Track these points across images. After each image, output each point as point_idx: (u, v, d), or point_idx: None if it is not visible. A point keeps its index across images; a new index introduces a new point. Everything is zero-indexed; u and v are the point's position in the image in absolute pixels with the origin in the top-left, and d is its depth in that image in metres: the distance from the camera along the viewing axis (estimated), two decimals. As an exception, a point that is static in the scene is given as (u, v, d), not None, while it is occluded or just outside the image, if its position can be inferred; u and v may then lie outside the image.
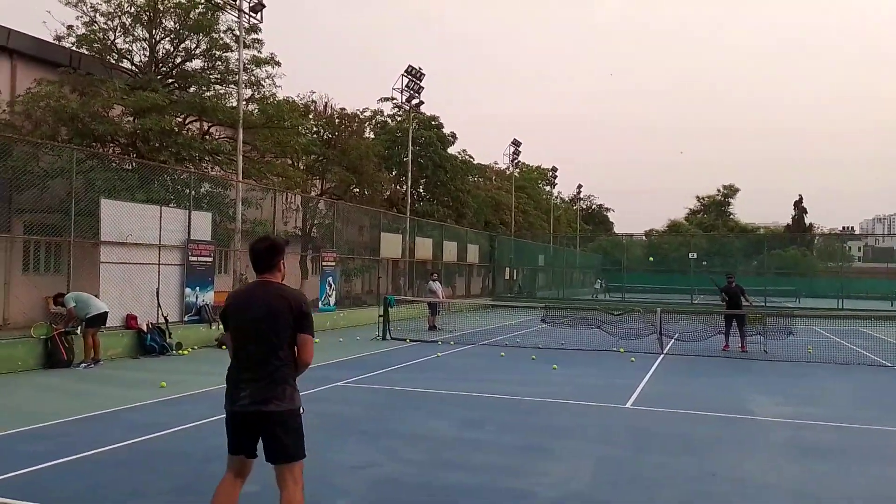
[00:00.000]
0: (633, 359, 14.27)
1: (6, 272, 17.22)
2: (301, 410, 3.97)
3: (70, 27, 18.88)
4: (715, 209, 74.79)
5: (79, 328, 12.16)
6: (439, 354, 14.54)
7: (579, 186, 69.17)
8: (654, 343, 15.85)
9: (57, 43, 18.91)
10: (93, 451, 6.35)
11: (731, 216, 74.98)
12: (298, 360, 3.96)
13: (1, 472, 5.62)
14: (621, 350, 15.58)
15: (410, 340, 16.96)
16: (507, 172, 47.70)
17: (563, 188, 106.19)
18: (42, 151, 15.97)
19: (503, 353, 14.98)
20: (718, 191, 75.95)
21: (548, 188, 58.92)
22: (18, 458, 6.08)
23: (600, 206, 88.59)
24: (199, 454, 6.31)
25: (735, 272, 21.84)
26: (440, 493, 5.53)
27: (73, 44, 18.96)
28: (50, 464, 5.93)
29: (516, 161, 45.97)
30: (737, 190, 75.28)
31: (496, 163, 49.92)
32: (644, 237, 67.87)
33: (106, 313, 12.23)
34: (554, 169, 55.55)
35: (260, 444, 3.93)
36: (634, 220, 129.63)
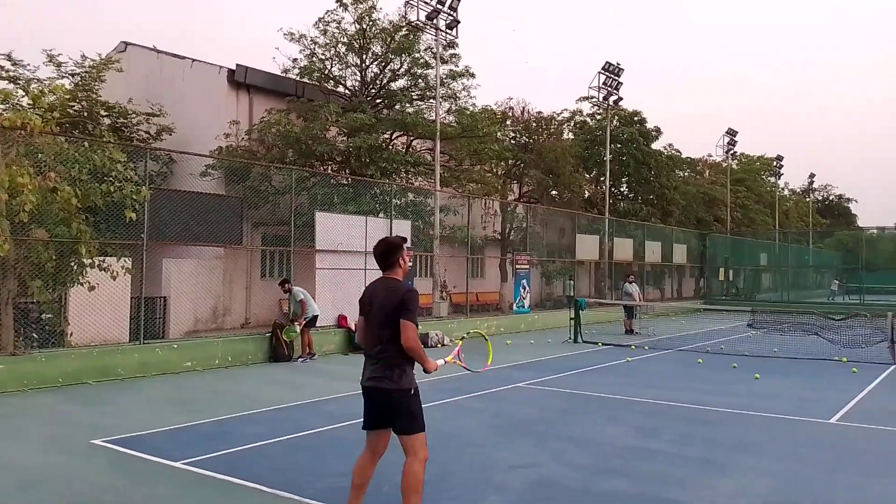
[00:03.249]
0: (854, 369, 12.73)
1: (248, 278, 19.96)
2: (411, 391, 4.42)
3: (294, 60, 21.43)
4: None
5: (298, 326, 13.78)
6: (629, 359, 14.17)
7: (812, 176, 62.00)
8: (885, 352, 13.95)
9: (284, 75, 21.52)
10: (292, 436, 7.28)
11: None
12: (402, 343, 4.36)
13: (217, 450, 6.69)
14: (843, 360, 13.94)
15: (603, 344, 16.70)
16: (724, 165, 44.52)
17: (793, 179, 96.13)
18: (273, 172, 18.32)
19: (700, 360, 14.16)
20: None
21: (772, 179, 53.86)
22: (234, 438, 7.17)
23: (840, 196, 79.03)
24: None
25: None
26: (596, 498, 5.53)
27: (297, 75, 21.44)
28: (257, 444, 6.93)
29: (732, 151, 42.71)
30: None
31: (710, 155, 46.85)
32: (895, 230, 59.38)
33: (317, 316, 13.76)
34: (779, 158, 50.57)
35: None
36: (884, 211, 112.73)
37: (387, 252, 4.58)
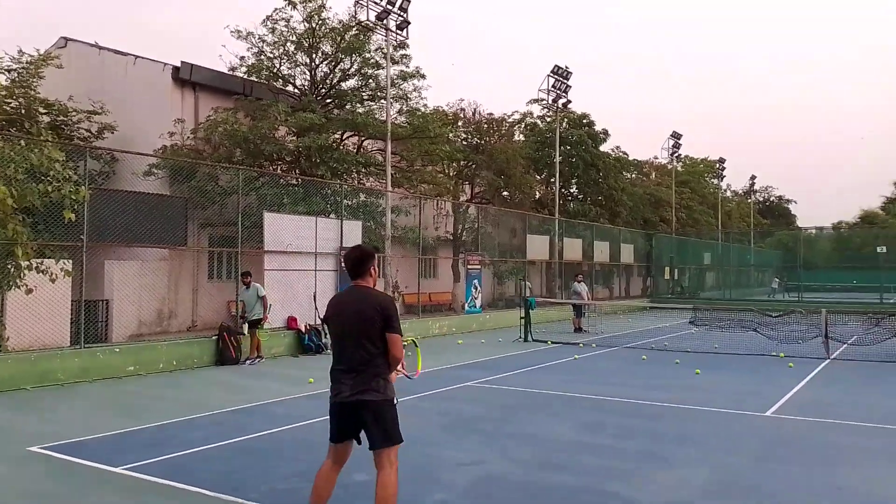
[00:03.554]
0: (791, 364, 13.25)
1: (194, 280, 19.57)
2: (395, 402, 4.38)
3: (242, 58, 21.09)
4: (917, 196, 66.28)
5: (246, 328, 13.61)
6: (577, 357, 14.44)
7: (753, 178, 64.13)
8: (820, 347, 14.55)
9: (231, 73, 21.18)
10: (236, 440, 7.19)
11: (938, 203, 66.06)
12: (390, 356, 4.37)
13: (159, 455, 6.56)
14: (780, 355, 14.48)
15: (552, 342, 16.95)
16: (669, 167, 45.69)
17: (735, 181, 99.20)
18: (219, 172, 18.01)
19: (645, 357, 14.53)
20: (921, 175, 67.12)
21: (715, 181, 55.52)
22: (176, 443, 7.05)
23: (780, 197, 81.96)
24: (325, 443, 6.89)
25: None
26: (539, 493, 5.63)
27: (244, 73, 21.12)
28: (199, 448, 6.83)
29: (677, 154, 43.86)
30: (945, 173, 66.03)
31: (656, 157, 48.00)
32: (832, 230, 61.89)
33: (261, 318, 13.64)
34: (721, 161, 52.17)
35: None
36: (822, 212, 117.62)
37: (362, 259, 4.50)
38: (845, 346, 15.25)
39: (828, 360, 13.79)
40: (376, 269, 4.61)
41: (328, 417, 4.49)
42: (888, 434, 7.73)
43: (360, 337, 4.30)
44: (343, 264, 4.57)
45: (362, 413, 4.29)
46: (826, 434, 7.74)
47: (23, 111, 17.09)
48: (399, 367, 4.67)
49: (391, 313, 4.35)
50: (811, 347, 14.78)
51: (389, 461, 4.30)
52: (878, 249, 35.21)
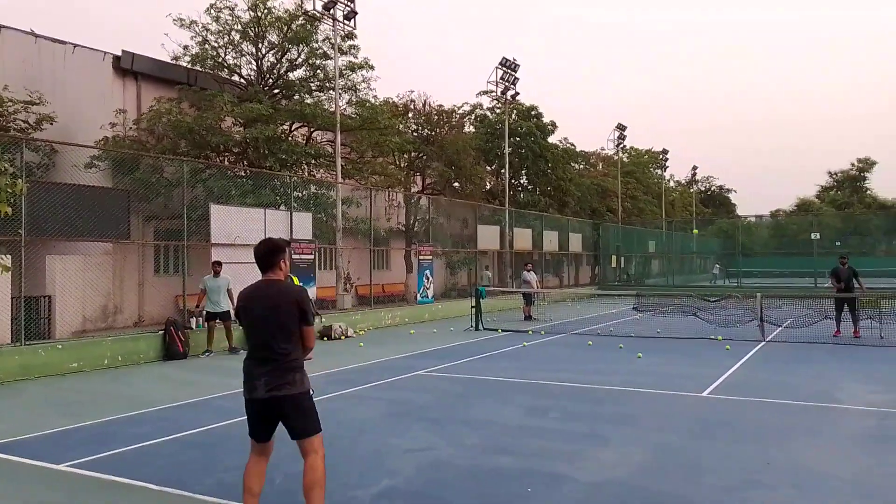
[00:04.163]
0: (728, 347, 13.81)
1: (140, 274, 19.16)
2: (311, 392, 4.42)
3: (185, 47, 20.62)
4: (849, 185, 69.23)
5: (202, 320, 13.51)
6: (525, 344, 14.74)
7: (694, 168, 66.16)
8: (756, 330, 15.20)
9: (174, 63, 20.70)
10: (181, 434, 7.17)
11: (868, 192, 69.10)
12: (304, 346, 4.43)
13: (103, 451, 6.51)
14: (718, 338, 15.07)
15: (502, 331, 17.24)
16: (615, 158, 46.63)
17: (678, 171, 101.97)
18: (164, 163, 17.64)
19: (591, 343, 14.93)
20: (853, 165, 70.19)
21: (659, 172, 56.92)
22: (122, 438, 6.99)
23: (720, 187, 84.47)
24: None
25: (850, 254, 20.24)
26: (484, 475, 5.81)
27: (188, 62, 20.66)
28: (144, 444, 6.79)
29: (622, 145, 44.80)
30: (874, 163, 69.22)
31: (602, 149, 48.94)
32: (770, 218, 64.15)
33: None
34: (664, 152, 53.54)
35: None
36: (760, 200, 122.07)
37: (270, 251, 4.44)
38: (780, 328, 15.95)
39: (763, 343, 14.41)
40: (286, 262, 4.58)
41: (246, 414, 4.47)
42: (812, 411, 8.19)
43: (279, 330, 4.28)
44: (255, 258, 4.49)
45: (281, 407, 4.27)
46: (758, 412, 8.14)
47: (-47, 101, 16.43)
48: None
49: (306, 306, 4.39)
50: (748, 330, 15.41)
51: (314, 449, 4.32)
52: (813, 236, 36.74)
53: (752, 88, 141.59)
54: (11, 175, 10.62)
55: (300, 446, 4.36)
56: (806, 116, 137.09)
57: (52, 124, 18.54)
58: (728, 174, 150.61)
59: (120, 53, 19.36)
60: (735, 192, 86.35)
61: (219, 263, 13.80)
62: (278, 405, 4.28)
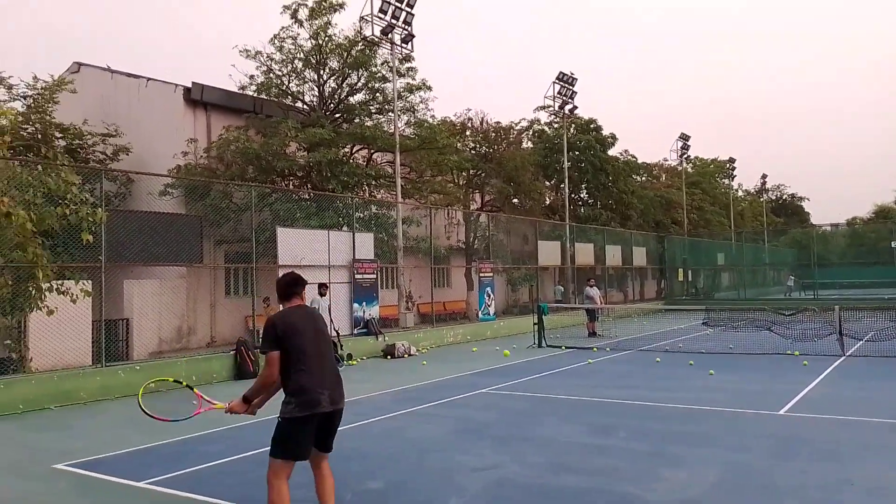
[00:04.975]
0: (805, 362, 13.24)
1: (212, 296, 19.85)
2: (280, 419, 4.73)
3: (251, 77, 21.43)
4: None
5: None
6: (591, 361, 14.50)
7: (764, 176, 63.99)
8: (835, 344, 14.52)
9: (241, 92, 21.52)
10: (252, 452, 7.34)
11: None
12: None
13: (180, 469, 6.75)
14: (795, 353, 14.47)
15: (566, 348, 17.02)
16: (678, 169, 45.64)
17: (747, 180, 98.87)
18: (233, 189, 18.31)
19: (659, 359, 14.57)
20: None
21: (726, 181, 55.34)
22: (196, 456, 7.23)
23: (792, 195, 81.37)
24: (341, 454, 7.05)
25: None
26: (552, 493, 5.73)
27: (254, 91, 21.45)
28: (217, 462, 7.00)
29: (686, 156, 43.82)
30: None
31: (665, 160, 47.97)
32: (846, 226, 61.41)
33: None
34: (731, 160, 52.07)
35: None
36: (835, 208, 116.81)
37: (295, 282, 4.89)
38: (861, 342, 15.21)
39: (843, 358, 13.76)
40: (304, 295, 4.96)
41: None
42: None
43: (326, 349, 4.77)
44: (276, 288, 4.94)
45: (337, 420, 4.74)
46: (838, 430, 7.77)
47: (39, 136, 17.50)
48: (210, 404, 5.40)
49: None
50: (826, 345, 14.75)
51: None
52: (894, 244, 34.92)
53: (824, 100, 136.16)
54: (92, 205, 11.28)
55: (323, 458, 4.83)
56: (879, 120, 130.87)
57: (127, 155, 19.52)
58: (800, 182, 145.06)
59: (190, 85, 20.26)
60: (808, 200, 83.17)
61: (324, 286, 14.70)
62: (338, 417, 4.72)
